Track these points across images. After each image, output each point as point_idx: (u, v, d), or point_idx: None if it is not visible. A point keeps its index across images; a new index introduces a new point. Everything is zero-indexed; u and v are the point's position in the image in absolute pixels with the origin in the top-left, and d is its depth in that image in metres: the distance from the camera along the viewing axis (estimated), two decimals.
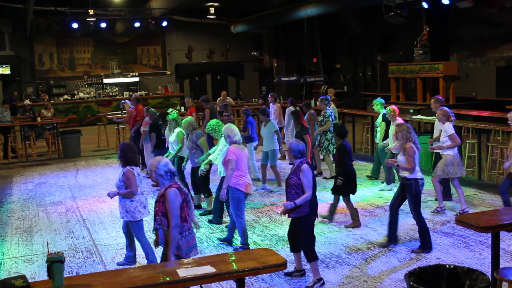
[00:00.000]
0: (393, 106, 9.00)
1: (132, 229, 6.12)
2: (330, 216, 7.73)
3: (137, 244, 6.28)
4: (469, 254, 6.28)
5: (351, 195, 7.50)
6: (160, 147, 10.11)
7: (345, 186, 7.37)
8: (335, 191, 7.51)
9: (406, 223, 7.49)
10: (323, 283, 5.51)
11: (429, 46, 15.08)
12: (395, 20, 15.15)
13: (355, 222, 7.48)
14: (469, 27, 16.76)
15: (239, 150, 6.48)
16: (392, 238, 6.61)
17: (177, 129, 8.97)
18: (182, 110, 15.90)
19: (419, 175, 6.32)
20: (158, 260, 5.82)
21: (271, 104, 13.30)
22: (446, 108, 7.92)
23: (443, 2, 14.64)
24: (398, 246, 6.61)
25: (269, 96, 13.56)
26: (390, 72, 16.14)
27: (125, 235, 6.38)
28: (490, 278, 4.30)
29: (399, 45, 19.38)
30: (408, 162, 6.23)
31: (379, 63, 20.62)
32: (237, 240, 6.95)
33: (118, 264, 6.44)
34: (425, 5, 14.94)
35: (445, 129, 7.74)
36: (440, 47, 16.36)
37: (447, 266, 4.31)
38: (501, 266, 4.92)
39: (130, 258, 6.39)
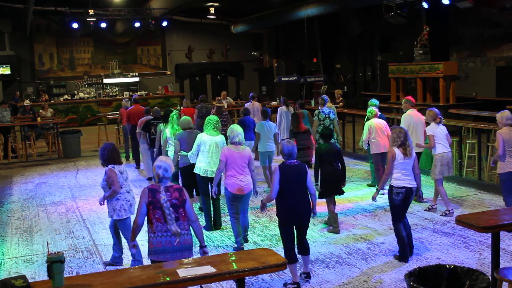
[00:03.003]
0: (374, 108, 9.26)
1: (119, 228, 6.14)
2: (328, 221, 7.56)
3: (125, 244, 6.26)
4: (469, 254, 6.28)
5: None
6: (154, 145, 10.03)
7: (320, 189, 7.26)
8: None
9: None
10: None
11: (429, 46, 15.07)
12: (395, 20, 15.14)
13: (334, 227, 7.32)
14: (469, 27, 16.75)
15: (232, 150, 6.55)
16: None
17: (165, 128, 8.96)
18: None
19: (395, 182, 6.19)
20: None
21: (248, 103, 13.31)
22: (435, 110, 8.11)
23: (443, 2, 14.63)
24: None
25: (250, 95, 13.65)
26: (390, 72, 16.13)
27: (112, 234, 6.38)
28: (490, 278, 4.29)
29: (399, 45, 19.37)
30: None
31: (379, 63, 20.61)
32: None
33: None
34: (425, 5, 14.93)
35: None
36: (440, 47, 16.36)
37: (447, 266, 4.31)
38: (501, 266, 4.92)
39: (117, 258, 6.39)
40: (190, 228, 4.67)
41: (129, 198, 6.07)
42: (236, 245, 6.76)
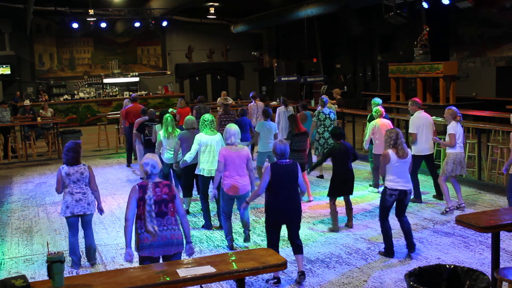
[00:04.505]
0: (380, 107, 9.14)
1: None
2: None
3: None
4: (469, 254, 6.28)
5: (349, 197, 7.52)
6: (148, 146, 10.00)
7: (330, 187, 7.42)
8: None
9: None
10: (277, 282, 5.64)
11: (429, 46, 15.07)
12: (395, 20, 15.14)
13: (333, 225, 7.36)
14: (469, 27, 16.75)
15: (230, 151, 6.47)
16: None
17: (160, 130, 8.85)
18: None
19: (389, 184, 6.19)
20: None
21: (251, 102, 13.21)
22: (454, 108, 7.99)
23: (443, 2, 14.63)
24: (398, 246, 6.61)
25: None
26: (390, 72, 16.13)
27: None
28: (490, 278, 4.29)
29: (399, 45, 19.37)
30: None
31: (379, 63, 20.61)
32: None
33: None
34: (425, 5, 14.92)
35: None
36: (440, 47, 16.34)
37: (447, 266, 4.31)
38: (501, 266, 4.93)
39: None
40: (179, 223, 4.74)
41: (67, 199, 6.14)
42: (227, 243, 6.83)
